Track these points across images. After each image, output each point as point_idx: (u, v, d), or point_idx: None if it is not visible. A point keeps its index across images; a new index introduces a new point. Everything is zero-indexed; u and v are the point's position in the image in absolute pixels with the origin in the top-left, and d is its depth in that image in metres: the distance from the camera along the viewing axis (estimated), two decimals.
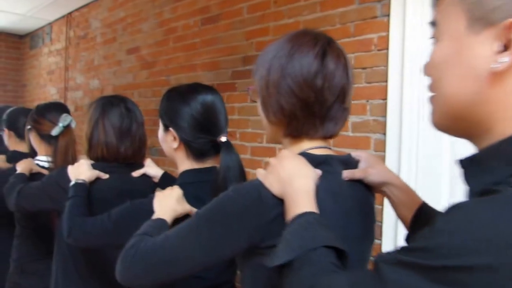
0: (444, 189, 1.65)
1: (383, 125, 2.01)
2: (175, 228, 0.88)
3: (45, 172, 1.94)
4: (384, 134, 1.99)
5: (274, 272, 0.70)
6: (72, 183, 1.48)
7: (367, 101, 2.09)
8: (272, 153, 2.61)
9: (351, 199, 0.85)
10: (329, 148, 0.91)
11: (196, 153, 1.26)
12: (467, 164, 0.58)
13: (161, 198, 1.18)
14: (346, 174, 0.87)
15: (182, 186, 1.23)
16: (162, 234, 0.90)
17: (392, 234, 1.86)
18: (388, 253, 0.56)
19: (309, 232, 0.68)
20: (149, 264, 0.86)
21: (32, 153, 2.35)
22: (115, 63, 4.33)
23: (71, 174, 1.53)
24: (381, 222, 1.95)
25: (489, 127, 0.55)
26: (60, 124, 1.92)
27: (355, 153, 0.97)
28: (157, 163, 2.00)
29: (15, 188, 1.69)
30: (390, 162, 1.90)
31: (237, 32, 2.88)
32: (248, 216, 0.77)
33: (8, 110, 2.40)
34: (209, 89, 1.32)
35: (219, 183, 1.18)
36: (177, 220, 1.12)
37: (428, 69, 0.63)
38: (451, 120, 0.59)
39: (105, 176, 1.55)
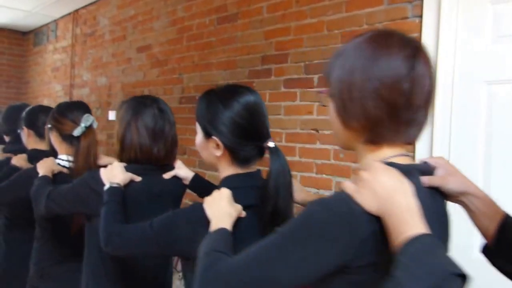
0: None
1: None
2: (255, 247, 0.81)
3: (66, 171, 1.89)
4: None
5: None
6: (107, 187, 1.43)
7: None
8: (289, 152, 2.58)
9: (432, 210, 0.81)
10: (408, 156, 0.86)
11: (241, 160, 1.19)
12: None
13: (212, 204, 1.12)
14: (425, 180, 0.82)
15: None
16: (243, 253, 0.83)
17: None
18: None
19: (435, 258, 0.64)
20: (231, 287, 0.81)
21: (52, 152, 2.30)
22: (124, 61, 4.29)
23: (105, 177, 1.47)
24: None
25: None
26: (82, 125, 1.86)
27: (432, 160, 0.91)
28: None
29: (44, 192, 1.63)
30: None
31: (256, 31, 2.86)
32: (340, 233, 0.72)
33: (28, 109, 2.33)
34: (248, 89, 1.23)
35: (270, 191, 1.13)
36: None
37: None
38: None
39: (138, 178, 1.50)
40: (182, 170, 1.63)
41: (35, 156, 2.19)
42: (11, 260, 2.19)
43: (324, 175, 2.39)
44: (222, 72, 3.11)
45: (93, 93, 4.83)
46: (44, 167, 1.84)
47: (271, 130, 2.75)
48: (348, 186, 0.78)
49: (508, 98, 1.65)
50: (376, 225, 0.72)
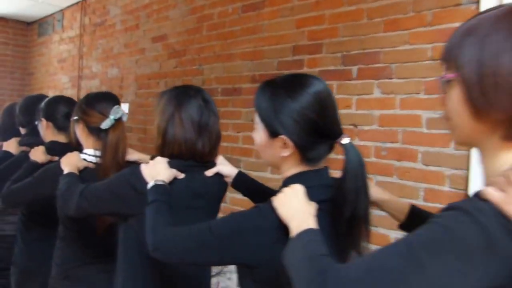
0: None
1: None
2: (375, 255, 0.72)
3: (92, 166, 1.75)
4: None
5: None
6: (151, 184, 1.30)
7: None
8: None
9: None
10: None
11: (311, 159, 1.06)
12: None
13: (285, 202, 0.99)
14: None
15: None
16: (358, 260, 0.73)
17: None
18: None
19: None
20: None
21: (75, 145, 2.15)
22: (137, 52, 4.13)
23: (147, 173, 1.34)
24: None
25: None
26: (111, 117, 1.72)
27: None
28: None
29: (75, 190, 1.49)
30: (476, 162, 1.75)
31: (285, 20, 2.70)
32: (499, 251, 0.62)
33: (46, 99, 2.19)
34: (315, 77, 1.09)
35: (348, 194, 1.01)
36: None
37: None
38: None
39: (181, 175, 1.38)
40: (225, 167, 1.51)
41: (54, 149, 2.06)
42: (29, 259, 2.08)
43: None
44: (247, 63, 2.96)
45: (104, 84, 4.67)
46: (69, 164, 1.70)
47: None
48: (493, 194, 0.65)
49: None
50: None
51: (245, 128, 2.94)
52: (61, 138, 2.11)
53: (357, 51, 2.31)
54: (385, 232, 2.06)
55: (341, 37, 2.39)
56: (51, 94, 5.78)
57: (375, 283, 0.68)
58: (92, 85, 4.88)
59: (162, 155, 1.39)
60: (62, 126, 2.09)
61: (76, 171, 1.66)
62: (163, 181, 1.30)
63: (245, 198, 1.52)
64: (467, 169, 1.86)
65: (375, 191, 1.23)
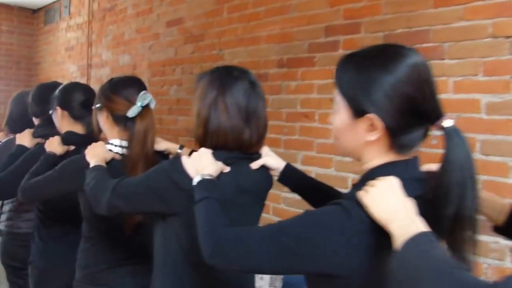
0: None
1: None
2: None
3: (118, 158, 1.57)
4: None
5: None
6: (198, 179, 1.12)
7: None
8: None
9: None
10: None
11: (403, 145, 0.88)
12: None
13: (382, 199, 0.80)
14: None
15: None
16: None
17: None
18: None
19: None
20: None
21: (93, 135, 1.96)
22: (151, 37, 3.93)
23: (191, 167, 1.16)
24: None
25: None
26: (138, 104, 1.53)
27: None
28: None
29: (107, 186, 1.31)
30: None
31: None
32: None
33: (61, 86, 2.00)
34: (410, 48, 0.91)
35: (453, 189, 0.83)
36: None
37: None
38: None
39: (227, 169, 1.21)
40: (272, 158, 1.33)
41: (70, 140, 1.88)
42: (48, 258, 1.92)
43: None
44: (274, 46, 2.75)
45: (115, 73, 4.47)
46: (95, 155, 1.51)
47: None
48: None
49: None
50: None
51: (272, 116, 2.73)
52: (77, 128, 1.93)
53: (402, 30, 2.10)
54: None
55: (383, 15, 2.17)
56: None
57: None
58: (102, 74, 4.69)
59: (204, 146, 1.22)
60: (78, 115, 1.92)
61: (103, 163, 1.48)
62: (211, 176, 1.13)
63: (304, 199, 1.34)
64: None
65: None
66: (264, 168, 1.31)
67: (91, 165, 1.46)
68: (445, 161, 0.84)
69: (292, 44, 2.63)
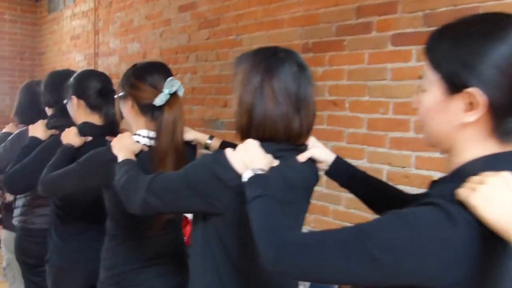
0: None
1: None
2: None
3: (146, 149, 1.42)
4: None
5: None
6: (249, 175, 0.98)
7: None
8: (398, 126, 2.07)
9: None
10: None
11: (509, 130, 0.74)
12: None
13: (497, 200, 0.65)
14: None
15: None
16: None
17: None
18: None
19: None
20: None
21: (111, 125, 1.81)
22: (162, 23, 3.75)
23: (238, 161, 1.03)
24: None
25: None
26: (166, 91, 1.40)
27: None
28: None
29: (141, 182, 1.17)
30: None
31: None
32: None
33: (76, 74, 1.85)
34: None
35: None
36: None
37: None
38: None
39: (276, 162, 1.08)
40: (320, 150, 1.20)
41: (87, 131, 1.76)
42: (67, 256, 1.79)
43: None
44: (298, 29, 2.57)
45: (124, 61, 4.30)
46: (123, 148, 1.38)
47: (370, 99, 2.22)
48: None
49: None
50: None
51: None
52: (94, 119, 1.80)
53: (446, 8, 1.92)
54: None
55: None
56: None
57: None
58: (110, 63, 4.52)
59: (248, 137, 1.08)
60: (95, 104, 1.79)
61: (132, 156, 1.33)
62: (263, 170, 0.99)
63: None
64: None
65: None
66: (311, 161, 1.17)
67: (119, 158, 1.32)
68: None
69: (319, 27, 2.45)
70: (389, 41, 2.12)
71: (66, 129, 1.73)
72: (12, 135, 2.12)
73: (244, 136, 1.10)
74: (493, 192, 0.66)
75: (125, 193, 1.19)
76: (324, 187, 2.33)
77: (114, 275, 1.48)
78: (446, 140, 0.79)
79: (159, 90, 1.39)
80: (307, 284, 2.07)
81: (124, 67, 4.20)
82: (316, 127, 1.16)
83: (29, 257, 2.10)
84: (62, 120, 1.95)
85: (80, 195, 1.68)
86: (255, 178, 0.96)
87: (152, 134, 1.42)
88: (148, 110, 1.42)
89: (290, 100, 1.06)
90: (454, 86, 0.74)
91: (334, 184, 1.21)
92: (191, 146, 1.56)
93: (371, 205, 1.20)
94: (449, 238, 0.67)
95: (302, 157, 1.14)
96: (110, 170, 1.36)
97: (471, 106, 0.73)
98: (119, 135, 1.42)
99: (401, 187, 1.42)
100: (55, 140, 1.77)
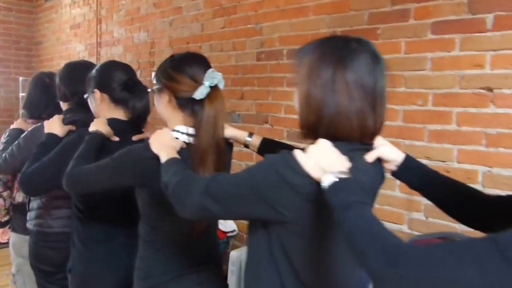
0: None
1: None
2: None
3: (184, 146, 1.31)
4: None
5: None
6: (331, 180, 0.88)
7: None
8: (438, 118, 1.98)
9: None
10: None
11: None
12: None
13: None
14: None
15: None
16: None
17: None
18: None
19: None
20: None
21: (139, 122, 1.68)
22: (172, 11, 3.60)
23: (311, 164, 0.93)
24: None
25: None
26: (206, 83, 1.29)
27: None
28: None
29: (193, 185, 1.05)
30: None
31: None
32: None
33: (99, 65, 1.71)
34: None
35: None
36: None
37: None
38: None
39: (349, 164, 0.98)
40: (388, 149, 1.09)
41: (115, 127, 1.62)
42: (91, 264, 1.63)
43: (501, 149, 1.81)
44: (325, 17, 2.45)
45: (129, 51, 4.14)
46: (164, 146, 1.26)
47: (407, 90, 2.11)
48: None
49: None
50: None
51: None
52: (118, 114, 1.66)
53: None
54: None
55: None
56: (63, 64, 5.24)
57: None
58: (114, 53, 4.35)
59: (317, 137, 0.98)
60: (119, 98, 1.65)
61: (177, 155, 1.21)
62: (345, 174, 0.89)
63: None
64: None
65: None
66: (377, 161, 1.07)
67: (162, 157, 1.20)
68: None
69: (348, 15, 2.34)
70: (429, 29, 2.01)
71: (96, 120, 1.60)
72: (26, 132, 1.96)
73: (309, 135, 1.01)
74: None
75: (177, 196, 1.07)
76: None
77: (148, 286, 1.36)
78: None
79: (198, 83, 1.28)
80: None
81: (130, 57, 4.08)
82: None
83: (45, 263, 1.93)
84: (79, 115, 1.82)
85: (105, 196, 1.54)
86: (340, 183, 0.86)
87: (191, 130, 1.31)
88: (187, 104, 1.31)
89: (366, 94, 0.96)
90: None
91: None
92: (227, 144, 1.45)
93: (450, 211, 1.10)
94: None
95: (370, 157, 1.04)
96: (148, 168, 1.25)
97: None
98: (157, 132, 1.30)
99: None
100: (79, 136, 1.61)
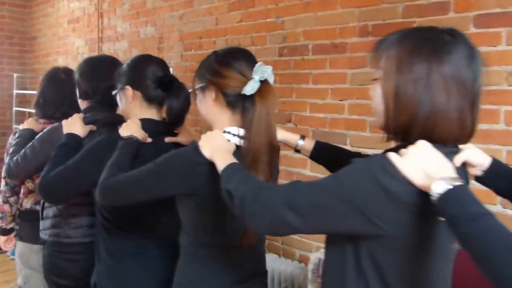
0: None
1: None
2: None
3: (234, 148, 1.21)
4: None
5: None
6: (445, 187, 0.79)
7: None
8: (485, 118, 1.90)
9: None
10: None
11: None
12: None
13: None
14: None
15: None
16: None
17: None
18: None
19: None
20: None
21: (172, 123, 1.55)
22: (182, 4, 3.46)
23: (415, 169, 0.84)
24: None
25: None
26: (256, 77, 1.19)
27: None
28: None
29: (270, 194, 0.95)
30: None
31: None
32: None
33: (132, 60, 1.57)
34: None
35: None
36: None
37: None
38: None
39: None
40: (474, 152, 1.01)
41: (149, 129, 1.50)
42: (119, 279, 1.50)
43: None
44: (354, 10, 2.36)
45: (134, 47, 4.00)
46: (218, 149, 1.16)
47: None
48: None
49: None
50: None
51: (351, 94, 2.37)
52: (151, 114, 1.55)
53: None
54: None
55: None
56: (61, 61, 5.08)
57: None
58: (118, 48, 4.20)
59: (408, 139, 0.90)
60: (153, 96, 1.53)
61: (234, 159, 1.11)
62: (457, 180, 0.80)
63: None
64: None
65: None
66: (462, 165, 0.98)
67: (219, 162, 1.10)
68: None
69: (380, 8, 2.25)
70: (471, 23, 1.93)
71: (128, 121, 1.48)
72: (41, 133, 1.81)
73: (396, 137, 0.93)
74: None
75: (248, 207, 0.96)
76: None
77: None
78: None
79: (247, 78, 1.19)
80: None
81: (136, 53, 3.92)
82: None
83: (62, 277, 1.77)
84: (101, 113, 1.70)
85: (138, 206, 1.38)
86: (455, 191, 0.77)
87: (242, 131, 1.21)
88: (237, 102, 1.21)
89: (466, 91, 0.87)
90: None
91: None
92: None
93: None
94: None
95: (458, 161, 0.94)
96: (200, 175, 1.16)
97: None
98: (208, 133, 1.20)
99: None
100: (110, 139, 1.47)
